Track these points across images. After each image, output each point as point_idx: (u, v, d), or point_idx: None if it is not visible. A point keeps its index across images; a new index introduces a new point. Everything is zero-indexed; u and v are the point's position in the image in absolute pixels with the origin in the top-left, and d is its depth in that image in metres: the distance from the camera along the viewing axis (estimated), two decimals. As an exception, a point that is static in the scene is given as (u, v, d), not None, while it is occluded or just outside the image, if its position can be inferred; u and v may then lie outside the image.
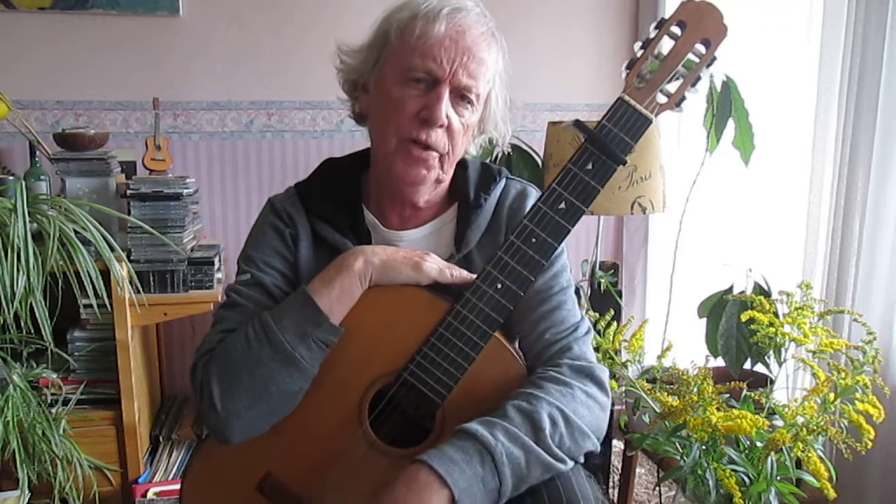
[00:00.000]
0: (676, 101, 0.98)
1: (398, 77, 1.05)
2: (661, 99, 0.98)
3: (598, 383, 1.05)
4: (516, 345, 1.15)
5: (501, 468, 0.90)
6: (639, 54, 0.98)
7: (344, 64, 1.14)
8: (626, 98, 0.97)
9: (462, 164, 1.17)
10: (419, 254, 1.05)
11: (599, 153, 0.98)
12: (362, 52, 1.11)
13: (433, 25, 1.02)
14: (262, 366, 0.98)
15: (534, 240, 0.99)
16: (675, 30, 0.97)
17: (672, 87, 0.98)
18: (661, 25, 0.97)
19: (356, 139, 1.22)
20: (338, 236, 1.11)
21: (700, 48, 0.97)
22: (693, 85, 0.97)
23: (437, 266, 1.03)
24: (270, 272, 1.11)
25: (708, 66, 0.97)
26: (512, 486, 0.91)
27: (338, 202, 1.14)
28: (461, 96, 1.06)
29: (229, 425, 0.99)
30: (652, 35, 0.97)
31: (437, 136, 1.05)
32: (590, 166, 0.98)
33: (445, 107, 1.03)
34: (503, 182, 1.17)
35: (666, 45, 0.98)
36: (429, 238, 1.15)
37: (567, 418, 0.97)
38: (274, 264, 1.11)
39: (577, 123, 1.00)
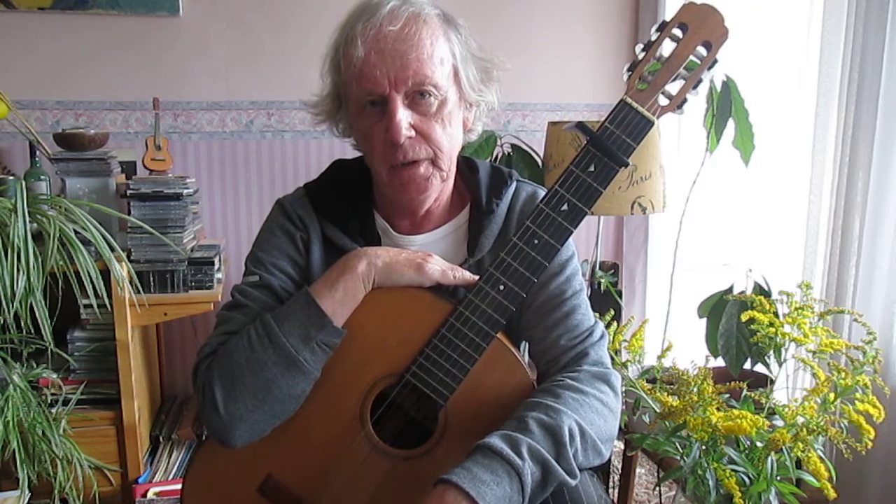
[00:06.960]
0: (678, 104, 0.98)
1: (356, 110, 1.07)
2: (663, 101, 0.98)
3: (614, 389, 1.05)
4: (524, 349, 1.15)
5: (526, 489, 0.89)
6: (640, 56, 0.98)
7: (318, 113, 1.15)
8: (629, 100, 0.97)
9: (472, 168, 1.17)
10: (422, 255, 1.04)
11: (602, 155, 0.97)
12: (326, 100, 1.13)
13: (353, 49, 1.01)
14: (264, 369, 0.97)
15: (536, 241, 0.99)
16: (677, 32, 0.97)
17: (673, 89, 0.98)
18: (663, 28, 0.97)
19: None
20: (347, 241, 1.10)
21: (701, 50, 0.97)
22: (694, 87, 0.97)
23: (439, 268, 1.03)
24: (279, 275, 1.10)
25: (709, 68, 0.97)
26: (529, 502, 0.91)
27: (348, 205, 1.14)
28: (419, 94, 1.02)
29: (232, 429, 0.98)
30: (654, 37, 0.97)
31: (414, 149, 1.03)
32: (592, 168, 0.98)
33: (403, 119, 1.01)
34: (514, 185, 1.16)
35: (667, 47, 0.98)
36: (440, 243, 1.14)
37: (583, 433, 0.96)
38: (283, 267, 1.11)
39: (580, 125, 1.00)
